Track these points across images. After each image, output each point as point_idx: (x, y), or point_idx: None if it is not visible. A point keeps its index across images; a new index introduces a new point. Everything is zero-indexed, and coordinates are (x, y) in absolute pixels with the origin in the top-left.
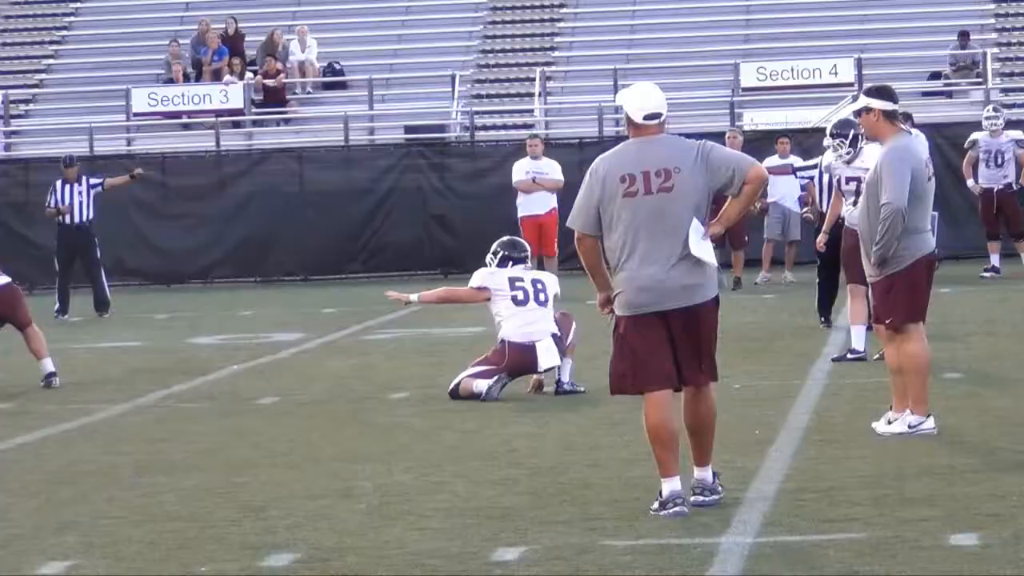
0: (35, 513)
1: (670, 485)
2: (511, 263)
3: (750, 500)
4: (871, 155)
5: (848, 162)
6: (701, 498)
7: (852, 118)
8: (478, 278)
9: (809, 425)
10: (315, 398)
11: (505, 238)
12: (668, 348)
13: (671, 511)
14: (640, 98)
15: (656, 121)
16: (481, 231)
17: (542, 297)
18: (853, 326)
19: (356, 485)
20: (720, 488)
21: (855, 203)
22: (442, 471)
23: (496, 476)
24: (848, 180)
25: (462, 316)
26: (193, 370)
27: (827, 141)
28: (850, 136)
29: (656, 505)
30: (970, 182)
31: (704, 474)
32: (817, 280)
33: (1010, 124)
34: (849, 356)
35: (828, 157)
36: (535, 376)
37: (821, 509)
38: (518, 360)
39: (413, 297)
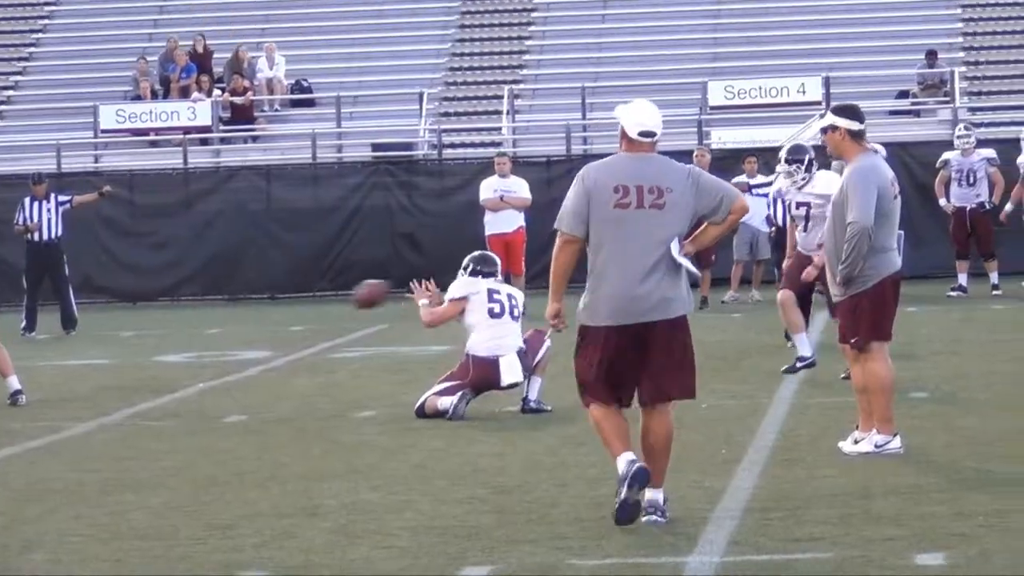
0: (2, 531)
1: (625, 458)
2: (482, 277)
3: (717, 519)
4: (822, 181)
5: (800, 188)
6: (655, 518)
7: (804, 143)
8: (457, 287)
9: (776, 444)
10: (282, 416)
11: (476, 253)
12: (633, 363)
13: (632, 471)
14: (638, 114)
15: (650, 139)
16: (449, 249)
17: (516, 312)
18: (795, 336)
19: (323, 503)
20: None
21: (805, 228)
22: (409, 490)
23: (463, 495)
24: (798, 205)
25: (429, 334)
26: (160, 388)
27: (781, 167)
28: (805, 161)
29: (617, 496)
30: (942, 201)
31: (657, 495)
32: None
33: (979, 143)
34: (799, 365)
35: (781, 182)
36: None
37: (788, 528)
38: (481, 374)
39: (423, 301)
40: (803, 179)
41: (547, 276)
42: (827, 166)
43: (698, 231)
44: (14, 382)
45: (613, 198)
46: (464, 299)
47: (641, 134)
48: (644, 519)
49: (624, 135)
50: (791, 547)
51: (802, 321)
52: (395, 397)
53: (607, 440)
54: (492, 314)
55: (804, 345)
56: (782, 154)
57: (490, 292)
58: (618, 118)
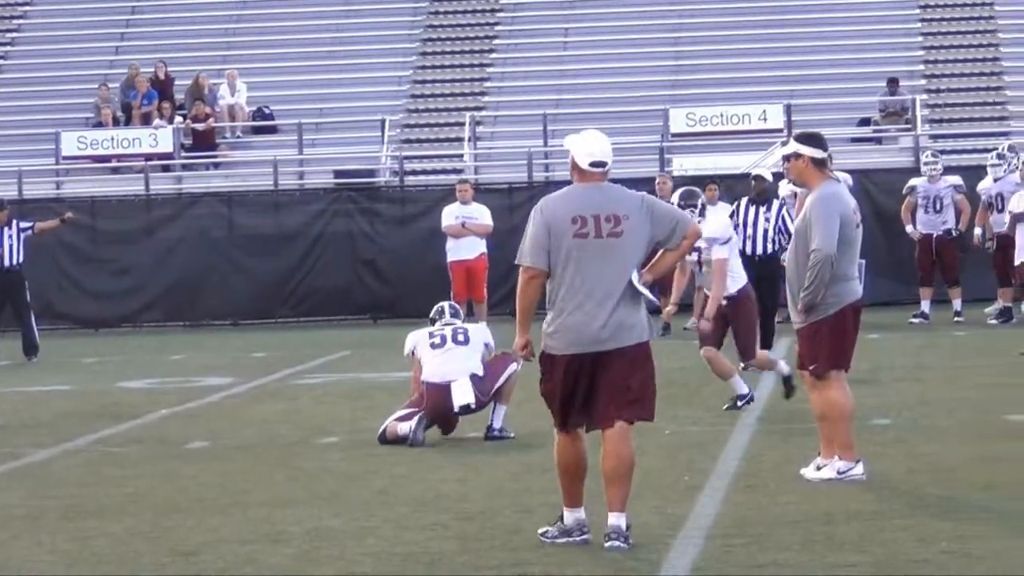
0: None
1: (575, 514)
2: (430, 324)
3: (680, 545)
4: (711, 224)
5: None
6: (617, 543)
7: (696, 189)
8: (406, 347)
9: (738, 470)
10: (244, 442)
11: (438, 304)
12: (590, 388)
13: (578, 539)
14: (589, 144)
15: (601, 169)
16: (411, 276)
17: (460, 337)
18: (728, 379)
19: (285, 530)
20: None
21: (700, 270)
22: (371, 516)
23: (425, 521)
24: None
25: (389, 362)
26: (122, 414)
27: None
28: (698, 206)
29: (553, 531)
30: (909, 227)
31: (620, 521)
32: None
33: (943, 170)
34: (740, 404)
35: None
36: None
37: (751, 554)
38: (435, 401)
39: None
40: (698, 223)
41: (509, 303)
42: (773, 193)
43: (655, 259)
44: None
45: (572, 228)
46: (413, 353)
47: (592, 164)
48: (607, 545)
49: (575, 166)
50: (754, 573)
51: (731, 366)
52: (357, 423)
53: (565, 487)
54: (433, 346)
55: (740, 385)
56: (674, 199)
57: (429, 333)
58: (568, 149)
